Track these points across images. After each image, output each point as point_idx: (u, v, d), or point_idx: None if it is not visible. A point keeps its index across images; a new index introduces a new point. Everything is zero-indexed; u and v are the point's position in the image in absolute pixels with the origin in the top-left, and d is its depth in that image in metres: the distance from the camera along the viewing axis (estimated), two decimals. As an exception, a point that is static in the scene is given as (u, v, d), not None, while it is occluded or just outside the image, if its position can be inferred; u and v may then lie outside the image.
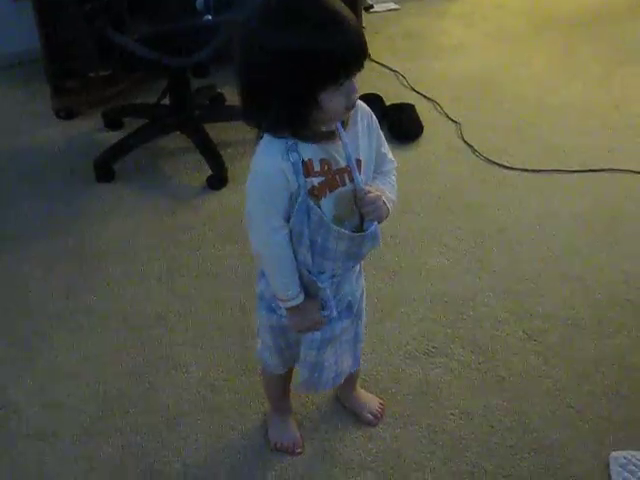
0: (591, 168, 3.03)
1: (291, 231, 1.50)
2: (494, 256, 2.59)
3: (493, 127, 3.32)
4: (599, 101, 3.50)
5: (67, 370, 2.20)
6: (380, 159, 1.61)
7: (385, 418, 2.04)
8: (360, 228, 1.56)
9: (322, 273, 1.58)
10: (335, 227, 1.50)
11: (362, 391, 2.07)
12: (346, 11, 1.35)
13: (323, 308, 1.63)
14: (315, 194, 1.46)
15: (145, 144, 3.12)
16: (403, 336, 2.28)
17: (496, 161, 3.07)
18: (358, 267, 1.71)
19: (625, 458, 1.91)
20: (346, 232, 1.51)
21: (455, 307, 2.38)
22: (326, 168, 1.47)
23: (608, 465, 1.91)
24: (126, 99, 3.49)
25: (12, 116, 3.47)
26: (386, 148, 1.62)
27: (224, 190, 2.92)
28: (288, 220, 1.49)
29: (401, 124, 3.24)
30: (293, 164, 1.43)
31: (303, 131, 1.42)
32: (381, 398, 2.08)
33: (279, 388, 1.95)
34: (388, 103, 3.37)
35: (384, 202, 1.52)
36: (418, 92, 3.56)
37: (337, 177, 1.48)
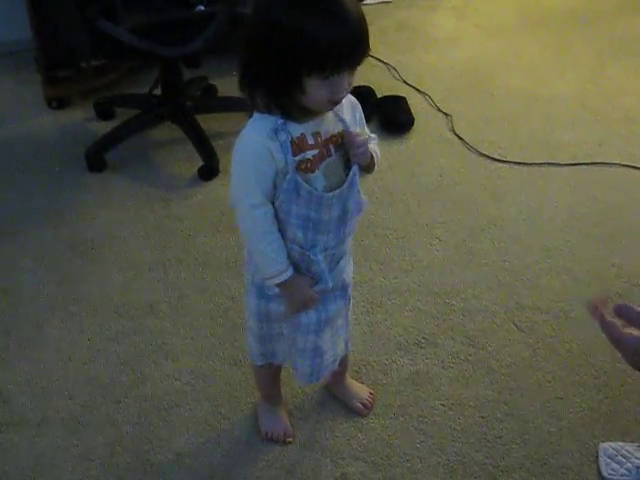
0: (582, 161, 3.04)
1: (278, 208, 1.52)
2: (485, 248, 2.60)
3: (484, 120, 3.32)
4: (590, 94, 3.51)
5: (58, 359, 2.20)
6: None
7: (375, 409, 2.05)
8: None
9: (315, 247, 1.58)
10: (328, 194, 1.51)
11: (352, 381, 2.08)
12: (354, 8, 1.35)
13: (317, 284, 1.63)
14: (309, 167, 1.48)
15: (137, 134, 3.12)
16: (394, 327, 2.29)
17: (487, 154, 3.08)
18: (348, 248, 1.70)
19: (613, 449, 1.92)
20: (336, 192, 1.52)
21: (445, 299, 2.39)
22: (319, 140, 1.49)
23: (597, 456, 1.93)
24: (118, 89, 3.48)
25: (3, 106, 3.45)
26: (368, 132, 1.64)
27: (215, 180, 2.92)
28: (272, 198, 1.51)
29: (393, 116, 3.24)
30: (281, 143, 1.44)
31: (290, 110, 1.44)
32: (371, 388, 2.09)
33: (269, 377, 1.95)
34: (380, 95, 3.37)
35: (370, 150, 1.56)
36: (410, 84, 3.56)
37: (325, 148, 1.51)
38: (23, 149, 3.14)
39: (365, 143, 1.52)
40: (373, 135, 1.64)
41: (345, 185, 1.53)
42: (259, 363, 1.87)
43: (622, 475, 1.88)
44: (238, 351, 2.20)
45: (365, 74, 3.58)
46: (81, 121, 3.32)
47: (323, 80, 1.37)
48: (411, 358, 2.20)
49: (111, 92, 3.43)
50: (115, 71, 3.51)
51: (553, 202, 2.82)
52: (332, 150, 1.52)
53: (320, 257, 1.59)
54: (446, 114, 3.34)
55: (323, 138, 1.50)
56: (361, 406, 2.04)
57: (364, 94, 3.33)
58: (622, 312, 1.27)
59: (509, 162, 3.04)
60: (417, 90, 3.52)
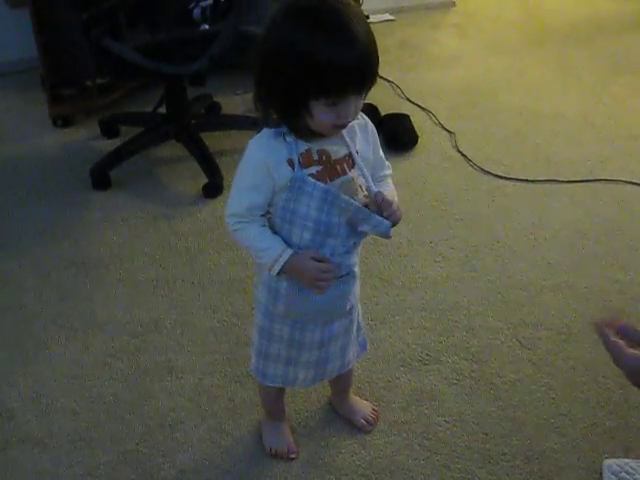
0: (585, 178, 3.05)
1: (282, 209, 1.52)
2: (488, 265, 2.61)
3: (488, 137, 3.34)
4: (593, 112, 3.53)
5: (62, 376, 2.21)
6: (378, 163, 1.63)
7: (379, 425, 2.05)
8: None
9: (322, 248, 1.56)
10: (345, 197, 1.50)
11: (356, 398, 2.08)
12: (364, 31, 1.35)
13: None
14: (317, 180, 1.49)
15: (141, 152, 3.14)
16: (397, 344, 2.29)
17: (490, 171, 3.09)
18: (356, 267, 1.68)
19: (618, 465, 1.92)
20: (354, 203, 1.51)
21: (449, 315, 2.40)
22: (324, 158, 1.49)
23: (601, 472, 1.92)
24: (123, 107, 3.50)
25: (9, 124, 3.47)
26: (382, 153, 1.64)
27: (220, 198, 2.93)
28: (262, 211, 1.53)
29: (396, 134, 3.26)
30: (288, 144, 1.46)
31: (297, 130, 1.45)
32: (375, 405, 2.09)
33: (273, 394, 1.95)
34: (383, 113, 3.39)
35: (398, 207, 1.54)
36: (413, 102, 3.58)
37: (337, 166, 1.51)
38: (28, 167, 3.16)
39: (392, 205, 1.50)
40: (388, 163, 1.65)
41: (364, 210, 1.52)
42: (262, 382, 1.88)
43: (627, 491, 1.87)
44: (242, 368, 2.20)
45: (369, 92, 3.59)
46: (86, 139, 3.35)
47: (329, 105, 1.37)
48: (415, 375, 2.20)
49: (116, 110, 3.45)
50: (120, 90, 3.54)
51: (556, 219, 2.83)
52: (347, 169, 1.52)
53: (328, 255, 1.56)
54: (449, 132, 3.36)
55: (333, 158, 1.50)
56: (365, 423, 2.03)
57: (367, 112, 3.31)
58: (626, 333, 1.30)
59: (512, 179, 3.05)
60: (420, 108, 3.54)
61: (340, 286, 1.65)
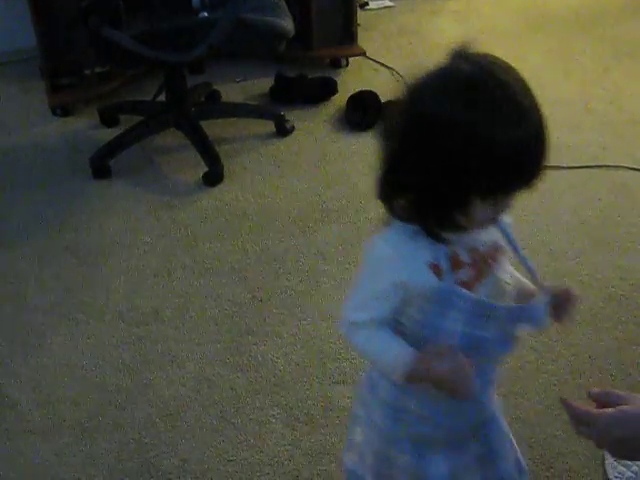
0: (587, 164, 3.04)
1: (420, 324, 1.24)
2: (489, 252, 2.60)
3: (488, 124, 3.32)
4: (595, 97, 3.51)
5: (64, 366, 2.21)
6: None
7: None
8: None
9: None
10: (501, 305, 1.25)
11: None
12: (543, 118, 1.17)
13: None
14: (466, 287, 1.22)
15: (141, 141, 3.13)
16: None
17: (491, 157, 3.08)
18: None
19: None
20: (512, 305, 1.28)
21: (451, 303, 2.39)
22: (474, 256, 1.23)
23: (603, 458, 1.92)
24: (122, 96, 3.49)
25: (8, 113, 3.46)
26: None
27: (220, 186, 2.92)
28: (389, 318, 1.25)
29: (397, 121, 3.24)
30: (433, 258, 1.19)
31: (442, 227, 1.17)
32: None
33: None
34: (383, 100, 3.38)
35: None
36: (413, 89, 3.56)
37: (489, 261, 1.26)
38: (28, 156, 3.16)
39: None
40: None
41: (526, 305, 1.29)
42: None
43: (628, 478, 1.87)
44: (243, 357, 2.20)
45: (368, 79, 3.58)
46: (85, 128, 3.34)
47: (492, 198, 1.13)
48: (416, 362, 2.19)
49: (115, 99, 3.44)
50: (119, 78, 3.53)
51: (558, 205, 2.82)
52: (496, 262, 1.27)
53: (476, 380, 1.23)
54: (450, 118, 3.34)
55: (482, 251, 1.24)
56: None
57: (368, 99, 3.33)
58: (598, 398, 1.23)
59: (513, 165, 3.03)
60: (421, 94, 3.52)
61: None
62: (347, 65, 3.71)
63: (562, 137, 3.22)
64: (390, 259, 1.20)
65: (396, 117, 1.17)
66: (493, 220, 1.21)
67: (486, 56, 1.19)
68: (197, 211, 2.81)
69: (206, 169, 2.96)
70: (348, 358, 2.19)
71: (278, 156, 3.08)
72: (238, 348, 2.24)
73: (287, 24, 2.88)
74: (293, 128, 3.22)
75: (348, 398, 2.07)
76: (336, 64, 3.71)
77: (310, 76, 3.51)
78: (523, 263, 1.32)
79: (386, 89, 3.50)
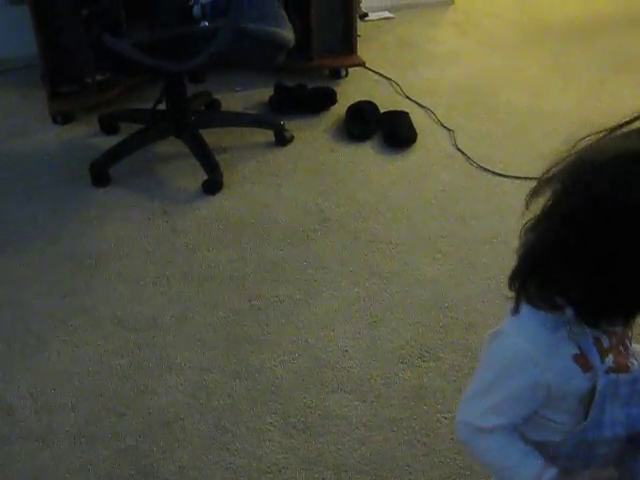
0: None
1: (579, 431, 1.13)
2: (487, 262, 2.61)
3: (486, 134, 3.34)
4: (592, 109, 3.53)
5: (62, 372, 2.21)
6: None
7: (378, 422, 2.05)
8: None
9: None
10: None
11: None
12: None
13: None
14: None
15: (141, 149, 3.14)
16: (396, 341, 2.30)
17: (489, 168, 3.09)
18: None
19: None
20: None
21: (448, 312, 2.40)
22: (614, 338, 1.12)
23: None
24: (122, 104, 3.50)
25: (9, 121, 3.47)
26: None
27: (219, 195, 2.93)
28: (520, 419, 1.17)
29: (395, 131, 3.26)
30: (576, 349, 1.08)
31: (597, 314, 1.06)
32: (374, 401, 2.09)
33: None
34: (383, 110, 3.39)
35: None
36: (412, 100, 3.58)
37: (621, 344, 1.14)
38: (28, 164, 3.16)
39: None
40: None
41: None
42: None
43: None
44: (241, 364, 2.20)
45: (367, 89, 3.60)
46: (85, 136, 3.35)
47: None
48: (414, 371, 2.20)
49: (116, 107, 3.45)
50: (120, 86, 3.54)
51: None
52: (630, 346, 1.15)
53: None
54: (448, 129, 3.36)
55: (619, 333, 1.13)
56: None
57: (367, 109, 3.35)
58: None
59: (511, 177, 3.05)
60: (419, 105, 3.54)
61: None
62: (347, 75, 3.73)
63: (559, 149, 3.23)
64: (530, 357, 1.09)
65: (564, 197, 1.06)
66: None
67: None
68: (196, 219, 2.82)
69: (205, 177, 2.97)
70: (345, 367, 2.20)
71: (277, 165, 3.09)
72: (236, 356, 2.24)
73: (288, 34, 2.89)
74: (292, 138, 3.24)
75: (345, 407, 2.08)
76: (336, 74, 3.73)
77: (310, 86, 3.53)
78: None
79: (385, 100, 3.52)
